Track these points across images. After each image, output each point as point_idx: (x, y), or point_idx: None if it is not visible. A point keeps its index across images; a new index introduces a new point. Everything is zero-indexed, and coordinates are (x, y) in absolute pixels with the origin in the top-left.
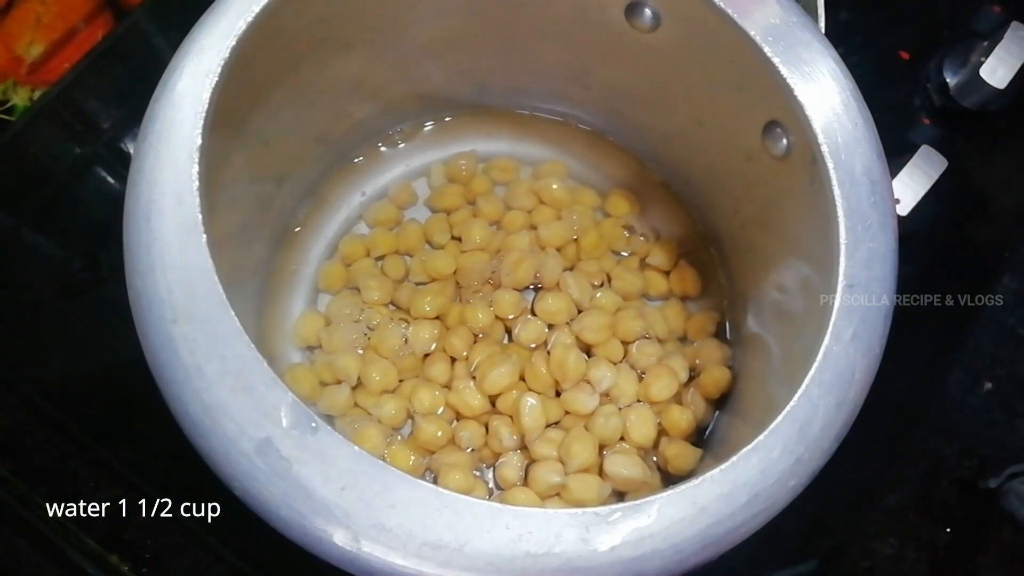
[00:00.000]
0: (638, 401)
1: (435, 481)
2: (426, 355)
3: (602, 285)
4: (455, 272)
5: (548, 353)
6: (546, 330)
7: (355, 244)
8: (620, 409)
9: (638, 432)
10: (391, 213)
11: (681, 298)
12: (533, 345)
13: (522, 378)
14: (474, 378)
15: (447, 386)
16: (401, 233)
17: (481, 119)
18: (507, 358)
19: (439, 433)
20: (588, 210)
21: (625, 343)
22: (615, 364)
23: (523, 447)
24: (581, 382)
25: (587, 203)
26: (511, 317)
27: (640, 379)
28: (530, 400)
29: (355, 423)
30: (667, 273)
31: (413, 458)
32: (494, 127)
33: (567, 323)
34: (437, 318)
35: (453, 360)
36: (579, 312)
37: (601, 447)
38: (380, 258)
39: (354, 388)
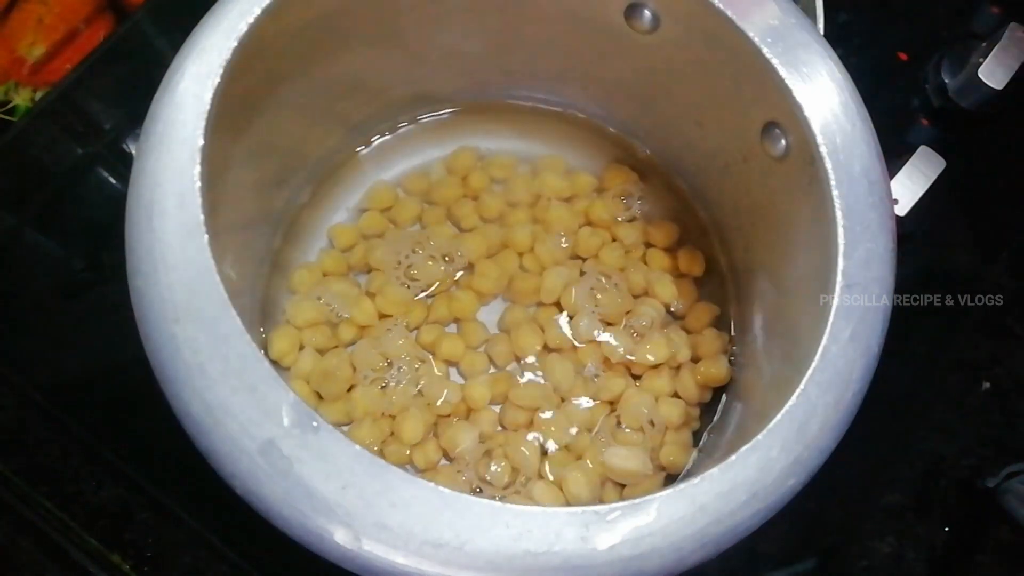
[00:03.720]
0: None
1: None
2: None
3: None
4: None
5: None
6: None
7: (348, 230)
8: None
9: (632, 414)
10: (389, 198)
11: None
12: None
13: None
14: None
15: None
16: (397, 210)
17: (481, 116)
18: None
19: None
20: (588, 191)
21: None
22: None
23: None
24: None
25: (586, 186)
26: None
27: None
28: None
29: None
30: (671, 257)
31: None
32: (494, 124)
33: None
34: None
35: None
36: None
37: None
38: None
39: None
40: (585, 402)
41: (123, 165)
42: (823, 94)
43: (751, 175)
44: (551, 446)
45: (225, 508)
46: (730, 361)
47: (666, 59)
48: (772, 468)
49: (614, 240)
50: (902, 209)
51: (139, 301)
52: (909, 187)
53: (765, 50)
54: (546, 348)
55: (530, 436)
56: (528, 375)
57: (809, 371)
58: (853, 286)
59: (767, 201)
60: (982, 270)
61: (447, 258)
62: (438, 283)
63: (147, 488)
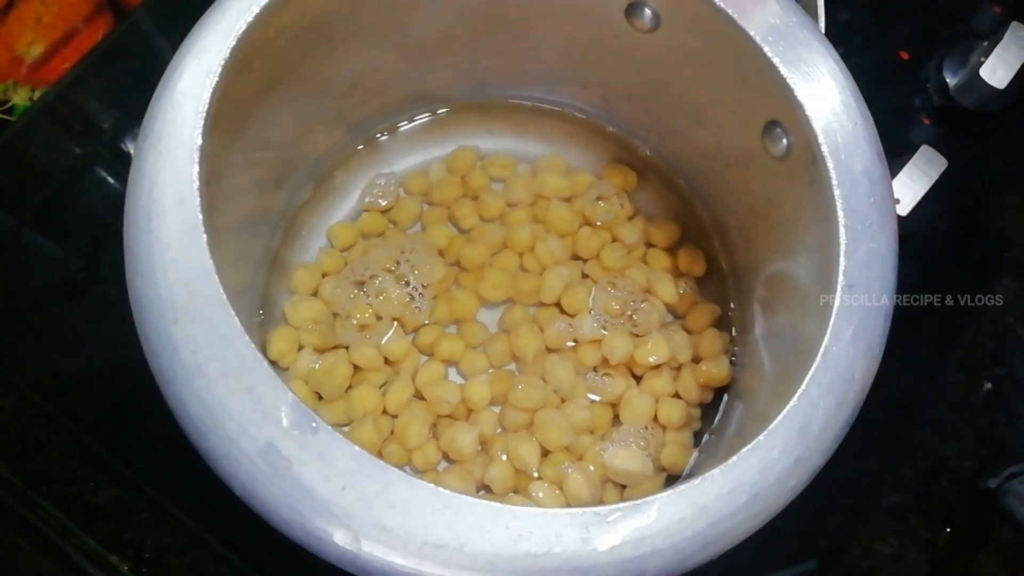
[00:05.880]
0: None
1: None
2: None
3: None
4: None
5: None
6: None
7: (348, 229)
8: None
9: (633, 412)
10: (390, 196)
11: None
12: None
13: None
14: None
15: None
16: (397, 209)
17: (480, 115)
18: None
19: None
20: (588, 191)
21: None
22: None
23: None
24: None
25: (585, 186)
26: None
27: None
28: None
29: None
30: (672, 257)
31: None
32: (493, 123)
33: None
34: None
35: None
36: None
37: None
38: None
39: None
40: (585, 403)
41: (122, 165)
42: (824, 93)
43: (752, 174)
44: (551, 447)
45: (224, 509)
46: (731, 361)
47: (667, 58)
48: (773, 469)
49: (614, 240)
50: (904, 209)
51: (137, 301)
52: (911, 187)
53: (766, 49)
54: (546, 348)
55: (530, 437)
56: (528, 375)
57: (811, 371)
58: (855, 286)
59: (768, 201)
60: (984, 270)
61: (447, 258)
62: (437, 283)
63: (146, 489)
